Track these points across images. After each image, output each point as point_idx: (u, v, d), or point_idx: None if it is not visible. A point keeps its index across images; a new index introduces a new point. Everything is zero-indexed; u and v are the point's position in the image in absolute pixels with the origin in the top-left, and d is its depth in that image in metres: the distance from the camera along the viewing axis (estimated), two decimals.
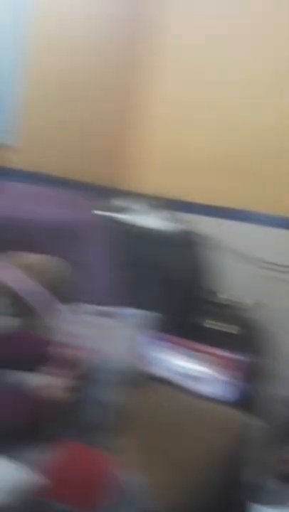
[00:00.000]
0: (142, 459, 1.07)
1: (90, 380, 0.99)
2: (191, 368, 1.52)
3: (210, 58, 2.21)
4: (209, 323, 1.95)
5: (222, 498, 1.19)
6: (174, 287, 1.86)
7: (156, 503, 0.86)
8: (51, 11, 1.78)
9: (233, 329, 1.96)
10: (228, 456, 1.21)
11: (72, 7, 1.87)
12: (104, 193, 2.06)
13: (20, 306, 1.34)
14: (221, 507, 1.17)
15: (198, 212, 2.15)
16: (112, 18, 2.08)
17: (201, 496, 1.05)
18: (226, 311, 2.00)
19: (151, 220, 1.94)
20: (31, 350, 1.01)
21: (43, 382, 0.84)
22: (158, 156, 2.30)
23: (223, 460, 1.18)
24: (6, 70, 1.65)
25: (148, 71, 2.31)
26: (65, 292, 1.55)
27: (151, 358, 1.52)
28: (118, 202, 2.01)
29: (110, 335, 1.32)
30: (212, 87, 2.21)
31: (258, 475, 1.33)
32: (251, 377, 1.61)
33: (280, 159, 2.07)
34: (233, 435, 1.24)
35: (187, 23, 2.26)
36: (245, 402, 1.46)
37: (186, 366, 1.53)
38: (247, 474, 1.33)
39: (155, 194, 2.08)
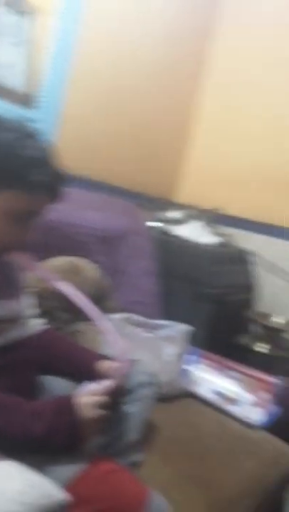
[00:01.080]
0: (169, 477, 1.04)
1: (126, 393, 0.98)
2: (230, 389, 1.48)
3: (256, 70, 2.17)
4: (256, 346, 1.90)
5: None
6: (224, 305, 1.84)
7: None
8: (100, 17, 1.77)
9: (278, 352, 1.90)
10: (263, 483, 1.17)
11: (122, 13, 1.85)
12: (154, 203, 2.06)
13: (67, 310, 1.35)
14: None
15: (245, 228, 2.11)
16: (163, 29, 2.06)
17: None
18: (273, 333, 1.94)
19: (201, 234, 1.91)
20: (76, 360, 1.01)
21: (85, 394, 0.83)
22: (204, 168, 2.28)
23: (257, 485, 1.14)
24: (52, 75, 1.65)
25: (195, 81, 2.28)
26: (105, 299, 1.56)
27: (190, 375, 1.50)
28: (167, 213, 2.00)
29: (149, 348, 1.31)
30: (258, 98, 2.16)
31: None
32: None
33: None
34: (269, 462, 1.20)
35: (236, 31, 2.23)
36: (283, 429, 1.41)
37: (225, 386, 1.49)
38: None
39: (203, 207, 2.07)
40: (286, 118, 2.10)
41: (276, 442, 1.29)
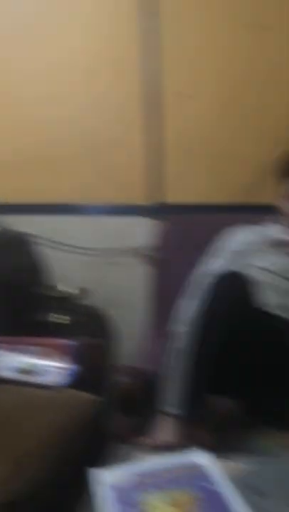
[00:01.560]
0: None
1: None
2: (29, 363, 1.56)
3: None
4: (54, 317, 2.00)
5: (70, 475, 1.26)
6: (11, 289, 1.88)
7: None
8: None
9: (74, 318, 2.04)
10: (72, 435, 1.28)
11: None
12: None
13: None
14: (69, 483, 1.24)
15: (13, 212, 2.17)
16: None
17: (45, 479, 1.11)
18: (66, 302, 2.07)
19: None
20: None
21: None
22: None
23: (67, 440, 1.25)
24: None
25: None
26: None
27: None
28: None
29: None
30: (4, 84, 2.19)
31: (103, 443, 1.43)
32: (93, 359, 1.70)
33: (90, 151, 2.18)
34: (69, 412, 1.32)
35: None
36: (87, 382, 1.54)
37: (24, 362, 1.56)
38: (94, 445, 1.42)
39: None
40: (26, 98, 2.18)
41: (76, 394, 1.42)
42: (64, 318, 2.01)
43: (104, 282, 2.20)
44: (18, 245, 2.04)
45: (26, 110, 2.19)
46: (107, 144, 2.17)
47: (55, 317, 2.00)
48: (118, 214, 2.19)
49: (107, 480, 0.92)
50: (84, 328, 2.04)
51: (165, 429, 1.16)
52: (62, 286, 2.09)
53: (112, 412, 1.38)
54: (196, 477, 0.92)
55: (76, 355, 1.59)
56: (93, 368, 1.69)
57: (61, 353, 1.60)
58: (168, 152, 2.14)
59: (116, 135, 2.16)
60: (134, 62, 2.09)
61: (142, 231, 2.16)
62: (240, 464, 0.96)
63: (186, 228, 1.99)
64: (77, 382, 1.53)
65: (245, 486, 0.86)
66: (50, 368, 1.54)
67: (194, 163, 2.13)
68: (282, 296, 1.52)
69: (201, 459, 0.98)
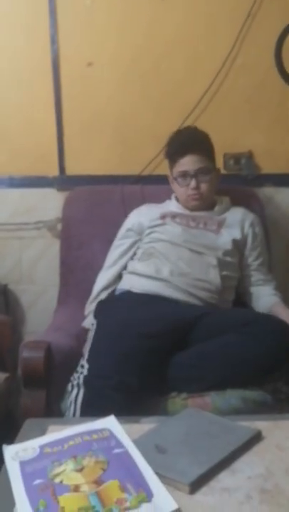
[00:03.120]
0: None
1: None
2: None
3: None
4: None
5: None
6: None
7: None
8: None
9: None
10: None
11: None
12: None
13: None
14: None
15: None
16: None
17: None
18: None
19: None
20: None
21: None
22: None
23: None
24: None
25: None
26: None
27: None
28: None
29: None
30: None
31: (13, 419, 1.45)
32: None
33: None
34: None
35: None
36: None
37: None
38: (3, 421, 1.43)
39: None
40: None
41: None
42: None
43: (11, 257, 2.16)
44: None
45: None
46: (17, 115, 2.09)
47: None
48: (24, 186, 2.12)
49: (17, 455, 0.93)
50: None
51: None
52: None
53: (20, 388, 1.38)
54: (105, 441, 0.96)
55: None
56: None
57: None
58: (68, 123, 2.10)
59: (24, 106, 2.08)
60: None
61: (48, 204, 2.12)
62: (144, 425, 1.02)
63: (89, 200, 1.99)
64: None
65: (148, 445, 0.92)
66: None
67: (96, 133, 2.11)
68: (175, 262, 1.63)
69: (110, 423, 1.03)
